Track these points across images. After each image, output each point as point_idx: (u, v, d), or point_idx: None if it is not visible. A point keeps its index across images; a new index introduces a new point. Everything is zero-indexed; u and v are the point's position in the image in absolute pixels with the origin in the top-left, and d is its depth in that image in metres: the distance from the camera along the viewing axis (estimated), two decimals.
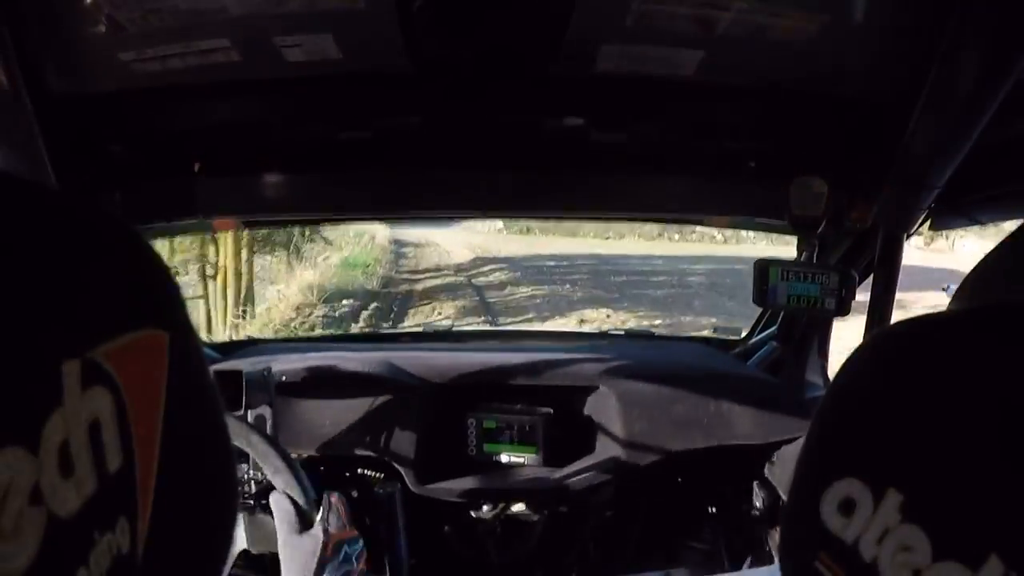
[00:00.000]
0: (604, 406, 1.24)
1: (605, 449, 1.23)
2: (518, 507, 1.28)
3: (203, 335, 4.23)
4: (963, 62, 0.67)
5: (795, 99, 0.89)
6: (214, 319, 5.38)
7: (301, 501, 0.83)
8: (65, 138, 0.81)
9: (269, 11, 0.72)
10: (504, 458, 1.25)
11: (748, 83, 0.88)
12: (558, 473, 1.23)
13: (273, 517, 0.84)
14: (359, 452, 1.19)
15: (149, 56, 0.78)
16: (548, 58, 0.80)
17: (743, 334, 1.57)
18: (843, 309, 1.03)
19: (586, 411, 1.27)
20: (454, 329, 1.81)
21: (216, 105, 0.91)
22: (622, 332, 1.75)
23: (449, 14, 0.73)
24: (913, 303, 5.36)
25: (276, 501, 0.85)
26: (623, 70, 0.84)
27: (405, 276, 9.03)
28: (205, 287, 5.43)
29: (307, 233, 7.21)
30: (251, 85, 0.87)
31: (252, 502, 0.98)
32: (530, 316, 6.77)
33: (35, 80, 0.73)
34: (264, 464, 0.86)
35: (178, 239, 4.54)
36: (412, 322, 6.24)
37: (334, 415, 1.19)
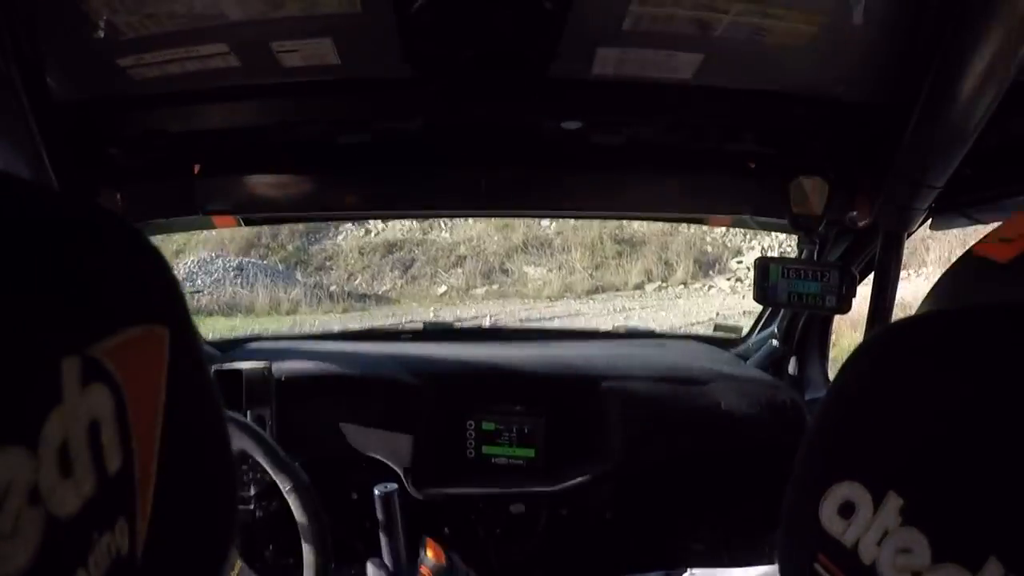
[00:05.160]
0: (603, 406, 1.24)
1: (604, 450, 1.23)
2: (517, 509, 1.28)
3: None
4: (963, 62, 0.67)
5: (795, 100, 0.89)
6: None
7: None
8: (65, 140, 0.81)
9: (268, 16, 0.72)
10: (503, 460, 1.24)
11: (748, 85, 0.88)
12: (557, 475, 1.23)
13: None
14: (358, 453, 1.19)
15: (148, 60, 0.78)
16: (546, 61, 0.80)
17: (743, 333, 1.57)
18: (843, 307, 1.03)
19: (585, 411, 1.26)
20: (455, 328, 1.80)
21: (215, 109, 0.91)
22: (623, 331, 1.74)
23: (447, 17, 0.73)
24: None
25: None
26: (621, 73, 0.84)
27: None
28: None
29: None
30: (251, 89, 0.87)
31: (252, 504, 0.98)
32: None
33: (35, 83, 0.73)
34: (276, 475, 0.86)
35: None
36: None
37: (333, 415, 1.19)
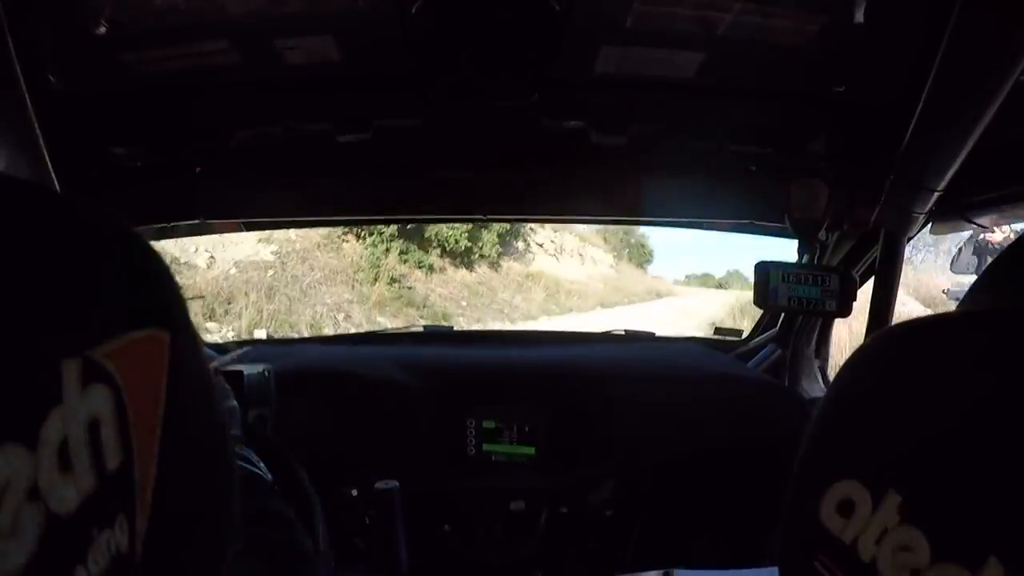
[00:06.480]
0: (604, 406, 1.24)
1: (604, 449, 1.23)
2: (517, 507, 1.28)
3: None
4: (963, 64, 0.67)
5: (795, 101, 0.89)
6: None
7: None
8: (67, 140, 0.81)
9: (270, 13, 0.72)
10: (503, 458, 1.25)
11: (749, 85, 0.88)
12: (557, 473, 1.23)
13: None
14: (359, 452, 1.19)
15: (150, 58, 0.78)
16: (548, 60, 0.80)
17: (744, 335, 1.57)
18: (844, 311, 1.03)
19: (586, 411, 1.26)
20: (455, 329, 1.80)
21: (217, 106, 0.91)
22: (622, 332, 1.74)
23: (449, 16, 0.73)
24: None
25: None
26: (623, 72, 0.84)
27: None
28: None
29: None
30: (252, 86, 0.87)
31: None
32: None
33: (37, 81, 0.73)
34: None
35: None
36: None
37: (334, 415, 1.19)
